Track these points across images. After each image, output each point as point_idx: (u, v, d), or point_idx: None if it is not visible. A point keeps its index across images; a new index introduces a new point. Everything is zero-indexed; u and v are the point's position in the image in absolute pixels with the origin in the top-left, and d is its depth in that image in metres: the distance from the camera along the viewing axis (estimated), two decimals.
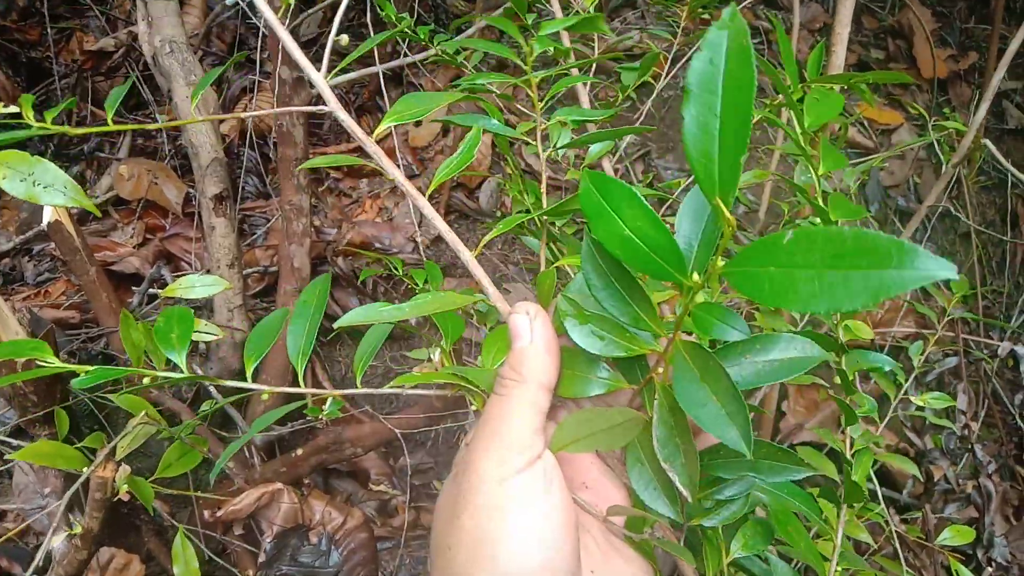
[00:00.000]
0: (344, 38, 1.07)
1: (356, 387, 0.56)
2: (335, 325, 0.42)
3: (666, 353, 0.39)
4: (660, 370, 0.40)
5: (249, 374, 0.56)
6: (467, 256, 0.48)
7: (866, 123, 2.30)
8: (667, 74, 1.42)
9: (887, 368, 0.74)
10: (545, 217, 0.62)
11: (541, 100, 0.70)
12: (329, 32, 0.55)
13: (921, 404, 1.05)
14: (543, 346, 0.42)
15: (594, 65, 1.35)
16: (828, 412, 1.79)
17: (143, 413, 0.77)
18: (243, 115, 0.53)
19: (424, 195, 0.49)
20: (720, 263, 0.30)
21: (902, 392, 1.08)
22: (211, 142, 1.32)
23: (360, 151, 2.01)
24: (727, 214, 0.29)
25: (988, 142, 0.98)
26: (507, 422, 0.41)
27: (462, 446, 0.47)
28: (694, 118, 0.29)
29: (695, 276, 0.32)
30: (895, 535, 0.94)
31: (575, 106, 0.84)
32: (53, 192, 0.68)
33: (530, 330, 0.43)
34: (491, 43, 0.73)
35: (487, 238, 0.53)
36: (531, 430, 0.41)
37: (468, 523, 0.40)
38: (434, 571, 0.42)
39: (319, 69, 0.51)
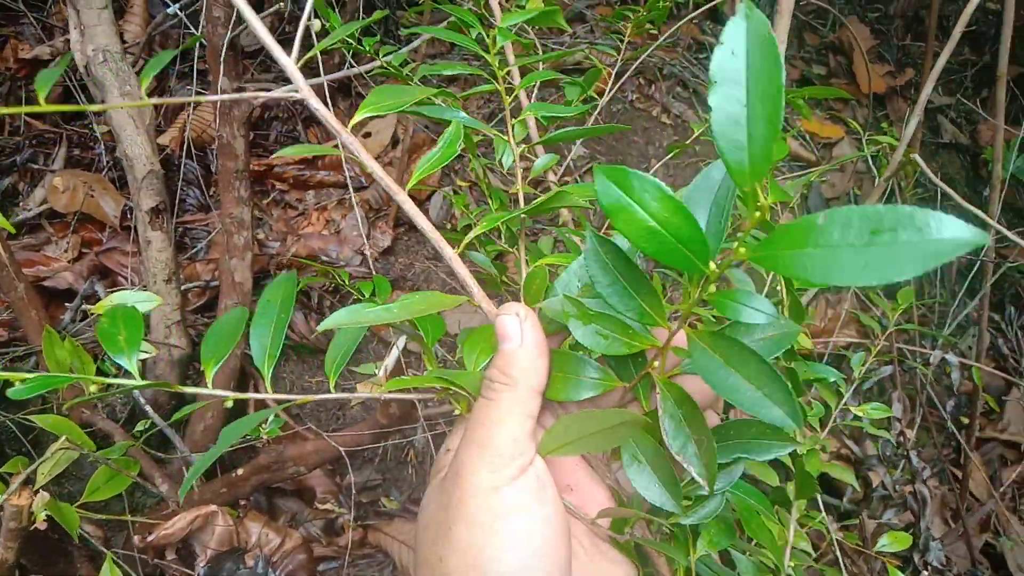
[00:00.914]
0: (316, 23, 1.04)
1: (330, 392, 0.53)
2: (319, 327, 0.40)
3: (665, 348, 0.38)
4: (656, 364, 0.39)
5: (209, 380, 0.53)
6: (450, 253, 0.46)
7: (808, 137, 2.35)
8: (611, 88, 1.43)
9: (832, 379, 0.76)
10: (524, 217, 0.61)
11: (509, 95, 0.68)
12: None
13: (859, 414, 1.07)
14: (534, 349, 0.41)
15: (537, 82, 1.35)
16: None
17: (64, 437, 0.74)
18: (185, 99, 0.51)
19: (404, 190, 0.47)
20: (742, 249, 0.30)
21: (842, 402, 1.10)
22: (147, 154, 1.28)
23: (305, 161, 1.98)
24: (762, 199, 0.29)
25: (918, 156, 1.00)
26: (498, 428, 0.40)
27: (443, 451, 0.46)
28: (720, 107, 0.30)
29: (712, 265, 0.32)
30: (835, 542, 0.95)
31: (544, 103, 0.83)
32: None
33: (520, 332, 0.41)
34: (456, 34, 0.71)
35: (471, 235, 0.51)
36: (524, 436, 0.40)
37: (462, 534, 0.39)
38: None
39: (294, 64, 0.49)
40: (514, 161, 0.66)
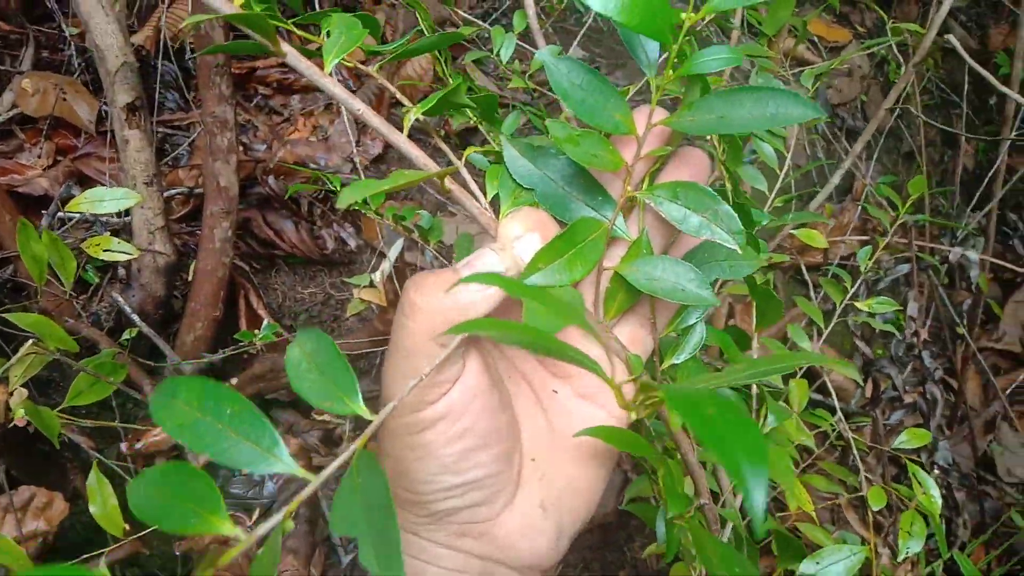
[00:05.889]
0: None
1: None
2: (338, 205, 0.36)
3: (648, 130, 0.39)
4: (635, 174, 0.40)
5: None
6: (399, 138, 0.42)
7: (816, 40, 2.25)
8: None
9: (764, 222, 0.71)
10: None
11: None
12: None
13: (866, 308, 1.03)
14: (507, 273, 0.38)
15: None
16: (774, 329, 1.80)
17: (30, 341, 0.69)
18: None
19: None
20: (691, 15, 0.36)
21: (847, 298, 1.06)
22: (119, 44, 1.19)
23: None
24: None
25: (952, 37, 0.93)
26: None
27: None
28: None
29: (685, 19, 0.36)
30: (850, 440, 0.93)
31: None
32: None
33: (516, 248, 0.39)
34: None
35: (415, 112, 0.45)
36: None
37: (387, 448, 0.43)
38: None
39: None
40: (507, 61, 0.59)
